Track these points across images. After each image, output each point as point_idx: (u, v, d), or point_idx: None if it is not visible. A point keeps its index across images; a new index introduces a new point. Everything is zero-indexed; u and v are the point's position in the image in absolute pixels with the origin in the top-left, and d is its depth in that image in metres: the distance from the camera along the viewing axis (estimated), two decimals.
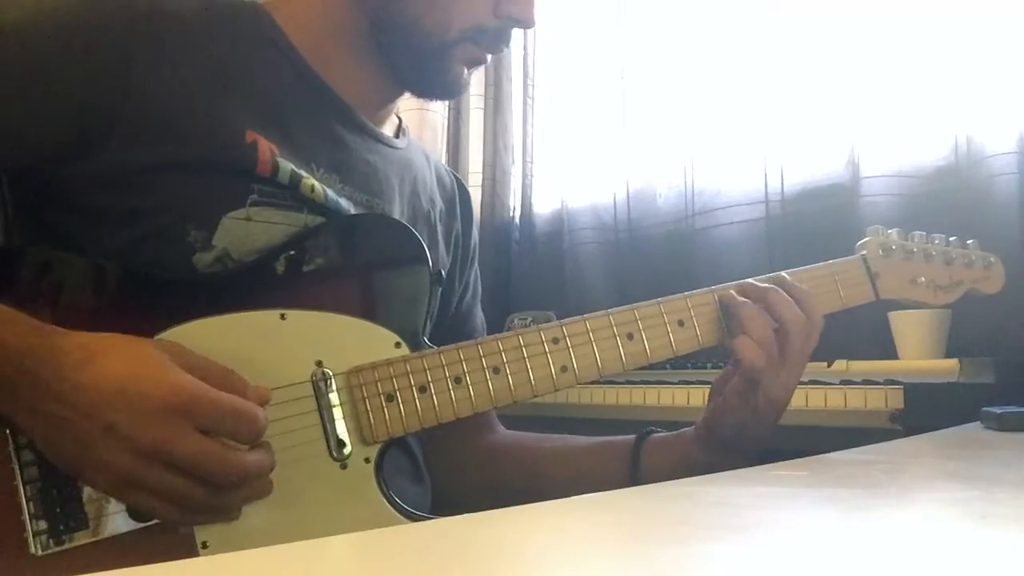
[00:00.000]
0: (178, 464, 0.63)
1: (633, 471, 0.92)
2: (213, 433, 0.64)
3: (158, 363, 0.64)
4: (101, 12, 0.76)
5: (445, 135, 2.27)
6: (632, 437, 0.95)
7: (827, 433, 1.20)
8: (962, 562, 0.37)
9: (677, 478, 0.90)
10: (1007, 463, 0.71)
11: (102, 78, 0.75)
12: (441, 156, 2.24)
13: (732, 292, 0.85)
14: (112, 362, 0.63)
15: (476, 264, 1.11)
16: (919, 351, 1.34)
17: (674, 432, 0.93)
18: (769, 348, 0.81)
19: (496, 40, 0.88)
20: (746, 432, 0.85)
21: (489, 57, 0.91)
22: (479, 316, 1.10)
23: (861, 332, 1.46)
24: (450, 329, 1.02)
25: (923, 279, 0.97)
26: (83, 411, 0.62)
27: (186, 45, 0.79)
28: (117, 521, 0.67)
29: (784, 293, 0.84)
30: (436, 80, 0.89)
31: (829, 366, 1.33)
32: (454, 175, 1.09)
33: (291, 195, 0.80)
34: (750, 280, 0.87)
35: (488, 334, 0.87)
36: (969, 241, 1.02)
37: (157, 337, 0.70)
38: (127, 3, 0.77)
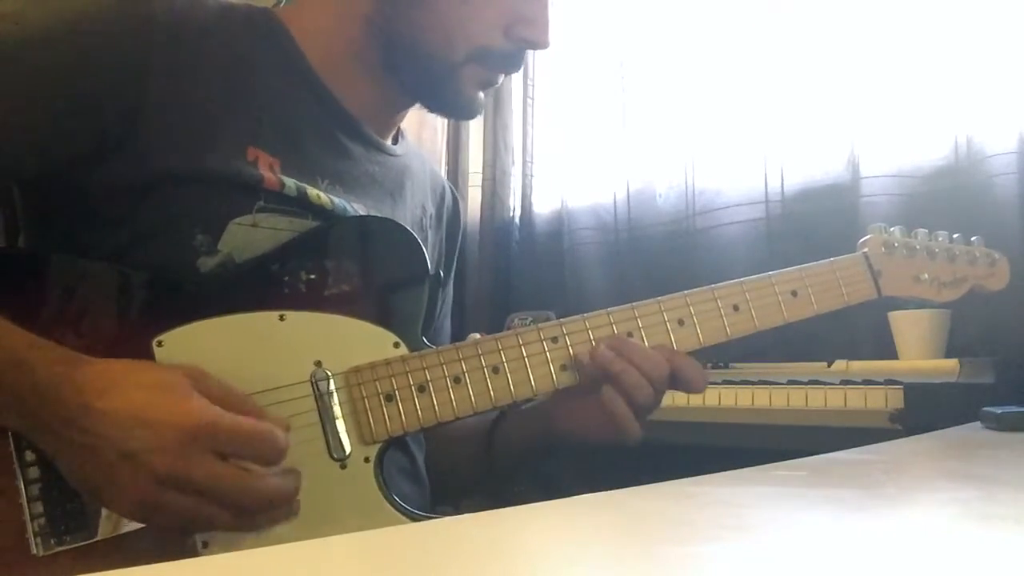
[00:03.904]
0: (197, 489, 0.63)
1: (488, 451, 0.93)
2: (233, 457, 0.64)
3: (177, 389, 0.65)
4: (120, 21, 0.76)
5: (445, 135, 2.27)
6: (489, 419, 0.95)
7: (827, 433, 1.20)
8: (962, 562, 0.37)
9: (527, 455, 0.93)
10: (1007, 463, 0.71)
11: (121, 87, 0.75)
12: (441, 156, 2.25)
13: (607, 349, 0.81)
14: (131, 390, 0.64)
15: (452, 279, 1.10)
16: (919, 351, 1.34)
17: (527, 408, 0.92)
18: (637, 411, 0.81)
19: (506, 62, 0.88)
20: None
21: (502, 78, 0.90)
22: (447, 329, 1.09)
23: (861, 332, 1.46)
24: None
25: (926, 276, 0.95)
26: (103, 438, 0.62)
27: (201, 55, 0.79)
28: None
29: (668, 364, 0.82)
30: (449, 101, 0.90)
31: (829, 366, 1.33)
32: (449, 186, 1.09)
33: (297, 203, 0.80)
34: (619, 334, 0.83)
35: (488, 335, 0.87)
36: (973, 238, 1.01)
37: (158, 339, 0.70)
38: (146, 12, 0.77)
